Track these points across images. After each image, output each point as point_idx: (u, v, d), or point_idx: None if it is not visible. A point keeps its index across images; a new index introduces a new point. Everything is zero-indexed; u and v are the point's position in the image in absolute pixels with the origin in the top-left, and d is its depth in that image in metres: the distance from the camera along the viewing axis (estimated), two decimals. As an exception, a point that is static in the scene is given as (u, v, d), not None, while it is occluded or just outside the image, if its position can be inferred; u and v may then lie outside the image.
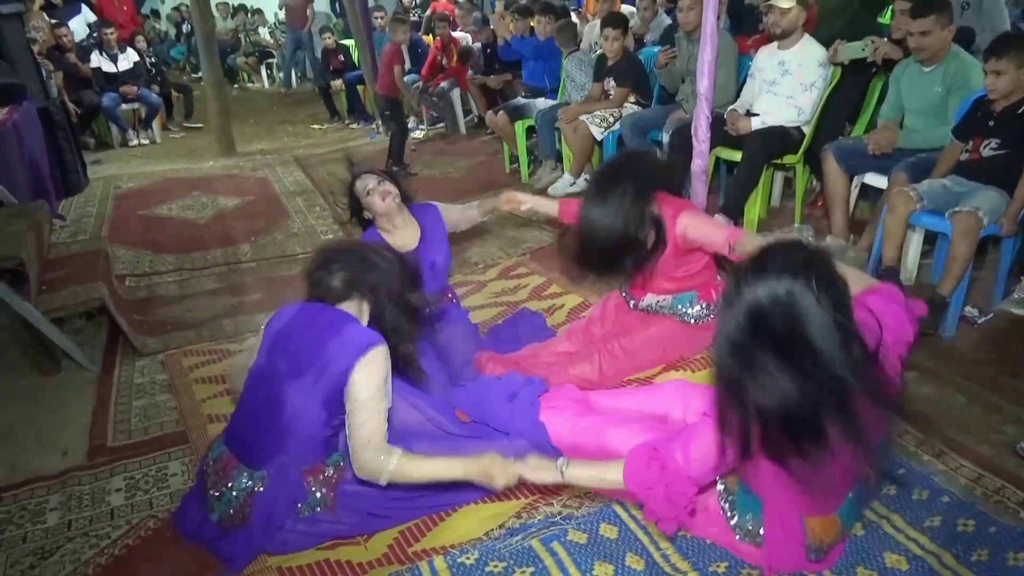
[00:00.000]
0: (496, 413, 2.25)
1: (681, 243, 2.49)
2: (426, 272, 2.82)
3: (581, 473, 1.79)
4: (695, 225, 2.47)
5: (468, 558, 1.92)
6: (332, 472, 1.98)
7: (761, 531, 1.74)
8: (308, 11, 10.08)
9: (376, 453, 1.85)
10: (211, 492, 1.98)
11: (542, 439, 2.18)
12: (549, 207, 2.98)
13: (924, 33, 3.13)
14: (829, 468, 1.55)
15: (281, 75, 11.63)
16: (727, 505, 1.78)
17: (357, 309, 2.06)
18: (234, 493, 1.93)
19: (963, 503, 2.00)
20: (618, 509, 2.06)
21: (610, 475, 1.74)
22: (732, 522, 1.78)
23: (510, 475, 1.84)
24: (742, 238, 2.37)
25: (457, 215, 3.08)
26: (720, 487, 1.80)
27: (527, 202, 3.00)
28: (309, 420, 1.92)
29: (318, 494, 1.94)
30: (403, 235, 2.85)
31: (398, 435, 2.18)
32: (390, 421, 2.20)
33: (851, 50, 3.66)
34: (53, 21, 7.87)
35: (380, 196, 2.73)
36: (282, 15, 11.96)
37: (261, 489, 1.92)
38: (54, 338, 2.94)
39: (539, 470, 1.81)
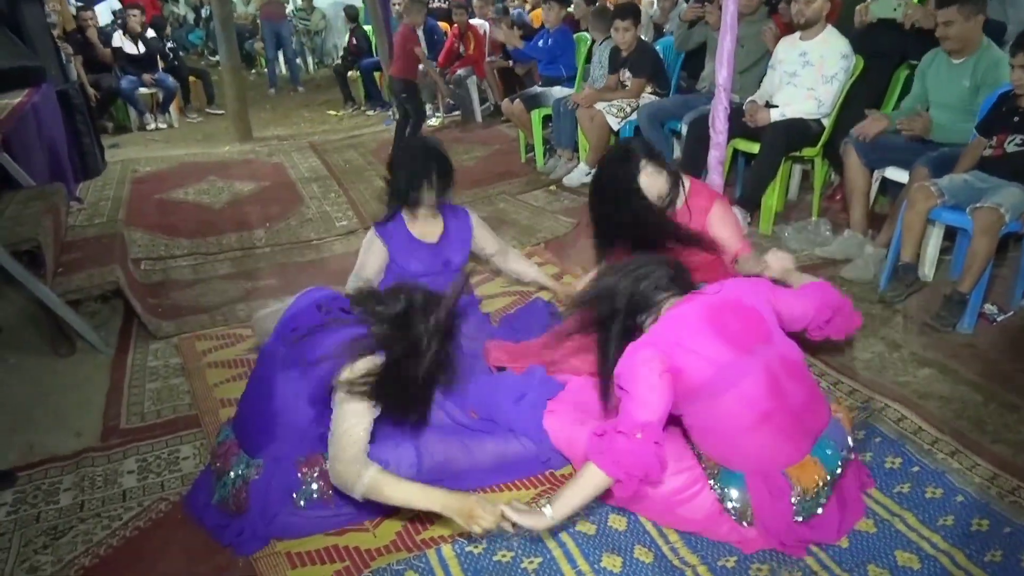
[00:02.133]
0: (503, 411, 2.25)
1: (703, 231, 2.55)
2: (439, 268, 2.82)
3: (565, 499, 1.71)
4: (721, 222, 2.56)
5: (476, 547, 1.92)
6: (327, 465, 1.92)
7: (749, 500, 1.76)
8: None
9: (350, 465, 1.75)
10: (215, 475, 2.00)
11: (544, 442, 2.17)
12: None
13: (947, 23, 3.08)
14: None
15: (283, 69, 10.82)
16: (718, 487, 1.82)
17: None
18: (232, 477, 1.93)
19: (978, 502, 1.98)
20: (628, 501, 2.06)
21: (588, 479, 1.69)
22: (725, 504, 1.80)
23: (493, 517, 1.70)
24: (746, 255, 2.52)
25: (489, 242, 3.02)
26: (708, 474, 1.84)
27: None
28: (297, 414, 1.90)
29: (314, 485, 1.92)
30: (427, 227, 2.85)
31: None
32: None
33: (882, 7, 3.60)
34: (79, 4, 7.92)
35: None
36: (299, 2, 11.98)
37: (256, 477, 1.91)
38: (70, 320, 2.97)
39: (524, 514, 1.69)
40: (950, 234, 3.22)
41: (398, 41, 5.96)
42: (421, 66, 6.17)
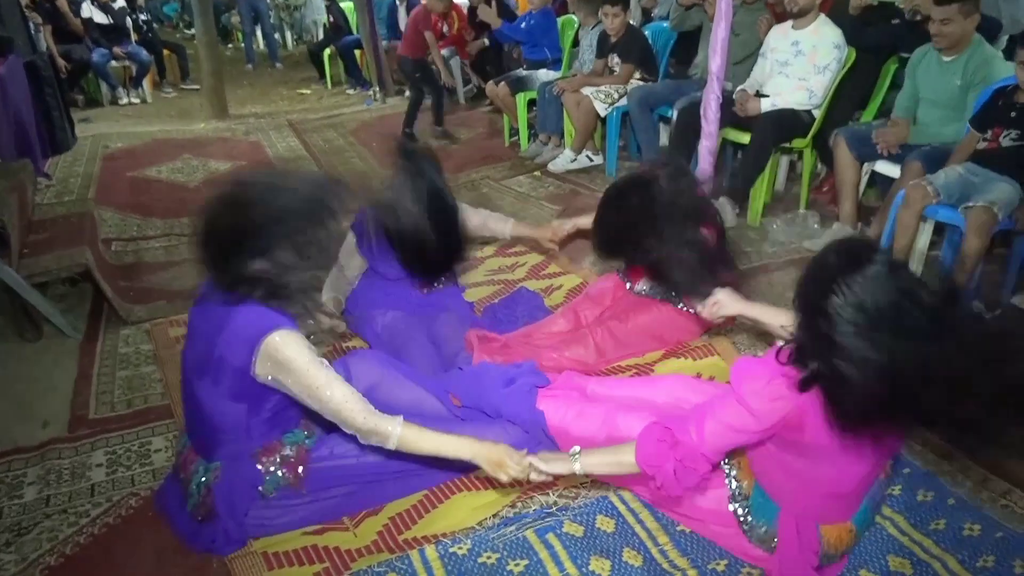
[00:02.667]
0: (490, 399, 2.18)
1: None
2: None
3: (596, 460, 1.72)
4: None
5: (460, 548, 1.87)
6: (291, 451, 1.86)
7: (775, 534, 1.69)
8: None
9: (374, 430, 1.67)
10: (182, 485, 1.91)
11: (537, 427, 2.11)
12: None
13: (945, 21, 3.04)
14: (861, 461, 1.54)
15: (261, 44, 10.42)
16: (742, 510, 1.72)
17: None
18: (194, 486, 1.84)
19: (969, 506, 1.96)
20: (615, 501, 2.02)
21: (625, 458, 1.66)
22: (745, 527, 1.72)
23: (522, 467, 1.71)
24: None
25: (479, 220, 2.90)
26: (733, 489, 1.74)
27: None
28: (228, 415, 1.79)
29: (279, 473, 1.83)
30: None
31: (388, 412, 2.12)
32: (384, 399, 2.14)
33: None
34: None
35: None
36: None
37: (217, 480, 1.82)
38: (36, 304, 2.85)
39: (553, 462, 1.72)
40: (937, 228, 3.19)
41: (412, 22, 5.82)
42: (430, 56, 5.98)
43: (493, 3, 5.97)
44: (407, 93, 7.23)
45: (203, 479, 1.82)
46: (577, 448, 1.73)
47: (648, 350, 2.66)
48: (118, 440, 2.33)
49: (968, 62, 3.10)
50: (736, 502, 1.74)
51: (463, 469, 2.07)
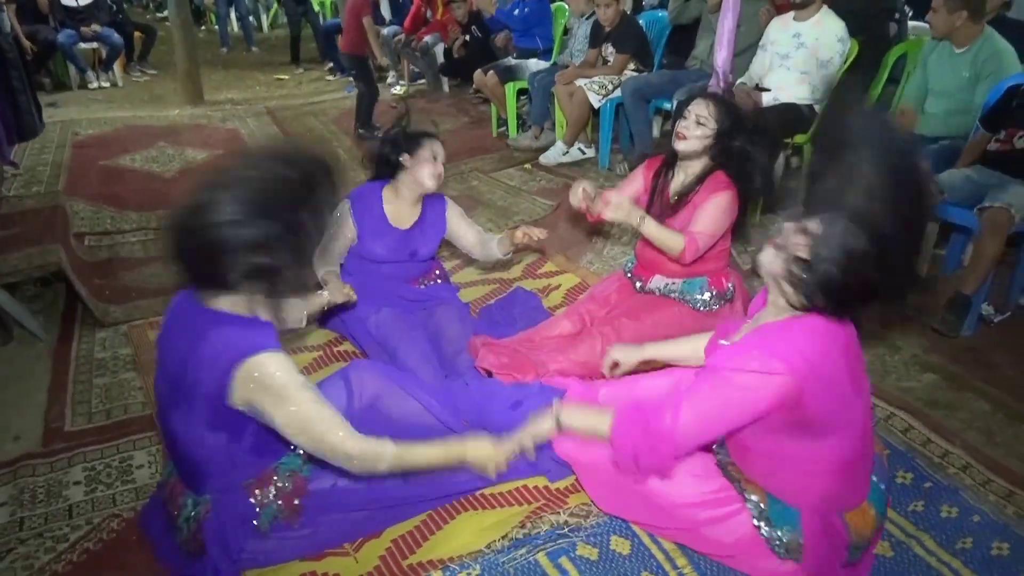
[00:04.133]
0: (498, 420, 2.06)
1: (696, 211, 2.41)
2: (404, 256, 2.64)
3: (575, 420, 1.74)
4: (708, 213, 2.38)
5: (469, 573, 1.76)
6: (287, 482, 1.72)
7: (801, 540, 1.61)
8: None
9: (363, 456, 1.56)
10: (169, 518, 1.75)
11: (544, 451, 2.01)
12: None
13: (934, 9, 3.06)
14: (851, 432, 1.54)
15: (236, 26, 10.06)
16: (763, 523, 1.65)
17: (241, 304, 1.58)
18: (183, 520, 1.69)
19: (995, 523, 1.90)
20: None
21: (601, 427, 1.67)
22: (772, 543, 1.64)
23: (506, 452, 1.73)
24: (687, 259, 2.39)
25: (466, 233, 2.77)
26: (753, 509, 1.66)
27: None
28: (207, 446, 1.63)
29: (274, 506, 1.70)
30: (403, 211, 2.64)
31: (395, 427, 2.01)
32: (387, 412, 2.02)
33: None
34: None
35: (439, 173, 2.57)
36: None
37: (207, 517, 1.67)
38: (5, 305, 2.68)
39: (536, 428, 1.75)
40: (942, 228, 3.14)
41: (349, 10, 5.44)
42: (375, 38, 5.66)
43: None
44: (391, 79, 7.08)
45: (192, 513, 1.68)
46: (557, 401, 1.78)
47: None
48: (97, 455, 2.19)
49: (978, 54, 3.05)
50: (756, 519, 1.67)
51: (468, 489, 1.98)
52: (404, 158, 2.54)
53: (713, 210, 2.39)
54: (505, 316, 2.86)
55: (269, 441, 1.67)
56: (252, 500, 1.68)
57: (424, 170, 2.53)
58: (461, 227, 2.76)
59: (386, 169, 2.61)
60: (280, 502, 1.70)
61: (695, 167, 2.48)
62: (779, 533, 1.64)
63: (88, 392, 2.48)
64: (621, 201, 2.33)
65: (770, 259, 1.53)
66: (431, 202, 2.70)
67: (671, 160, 2.56)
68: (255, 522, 1.68)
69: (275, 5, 11.37)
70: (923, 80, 3.29)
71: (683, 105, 2.50)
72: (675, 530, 1.80)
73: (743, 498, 1.68)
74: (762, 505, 1.66)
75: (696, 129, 2.39)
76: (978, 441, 2.19)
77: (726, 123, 2.37)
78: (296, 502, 1.71)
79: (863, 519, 1.65)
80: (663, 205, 2.56)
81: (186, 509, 1.69)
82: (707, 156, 2.44)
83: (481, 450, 1.71)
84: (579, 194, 2.45)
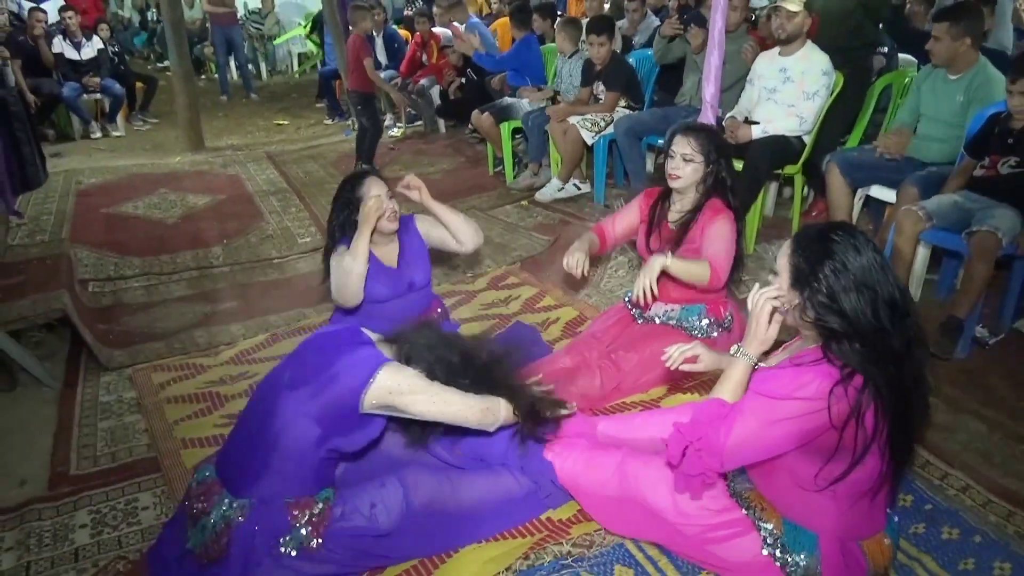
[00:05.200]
0: (495, 447, 2.09)
1: (698, 239, 2.51)
2: (405, 292, 2.68)
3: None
4: (712, 236, 2.47)
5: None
6: (321, 508, 1.79)
7: (820, 567, 1.62)
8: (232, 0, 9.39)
9: (476, 402, 1.89)
10: (191, 519, 1.80)
11: (545, 478, 2.03)
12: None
13: (937, 38, 3.11)
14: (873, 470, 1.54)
15: (235, 75, 10.27)
16: (779, 552, 1.66)
17: (389, 351, 1.90)
18: (212, 520, 1.74)
19: (996, 543, 1.90)
20: (632, 549, 1.93)
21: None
22: (787, 568, 1.65)
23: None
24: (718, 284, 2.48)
25: (441, 233, 2.81)
26: (764, 535, 1.67)
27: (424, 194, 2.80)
28: (299, 435, 1.74)
29: (303, 531, 1.75)
30: (386, 251, 2.69)
31: (392, 464, 2.03)
32: (380, 448, 2.05)
33: None
34: (31, 5, 7.50)
35: (390, 215, 2.56)
36: (253, 3, 11.63)
37: (241, 519, 1.73)
38: (11, 352, 2.72)
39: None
40: (934, 253, 3.18)
41: (350, 52, 5.66)
42: (376, 77, 5.87)
43: (477, 34, 5.92)
44: (388, 122, 7.20)
45: (225, 512, 1.73)
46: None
47: (660, 381, 2.61)
48: (102, 498, 2.20)
49: (972, 81, 3.13)
50: (768, 547, 1.68)
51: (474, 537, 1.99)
52: (356, 216, 2.55)
53: (719, 233, 2.48)
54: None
55: (330, 466, 1.86)
56: (289, 518, 1.75)
57: (375, 219, 2.52)
58: (434, 232, 2.81)
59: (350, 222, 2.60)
60: (309, 528, 1.75)
61: (691, 196, 2.56)
62: (796, 558, 1.65)
63: (93, 436, 2.50)
64: (648, 282, 2.32)
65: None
66: (404, 229, 2.75)
67: (667, 192, 2.63)
68: (282, 539, 1.73)
69: (273, 53, 11.61)
70: (915, 104, 3.36)
71: (668, 144, 2.58)
72: (683, 545, 1.81)
73: (755, 525, 1.70)
74: (776, 532, 1.68)
75: (685, 166, 2.48)
76: (977, 462, 2.20)
77: (711, 152, 2.46)
78: (322, 530, 1.76)
79: (879, 548, 1.67)
80: (663, 235, 2.63)
81: (219, 508, 1.74)
82: (702, 185, 2.52)
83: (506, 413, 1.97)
84: (574, 265, 2.59)
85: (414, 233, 2.79)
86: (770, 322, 1.67)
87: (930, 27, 3.29)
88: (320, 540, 1.76)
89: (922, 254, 3.11)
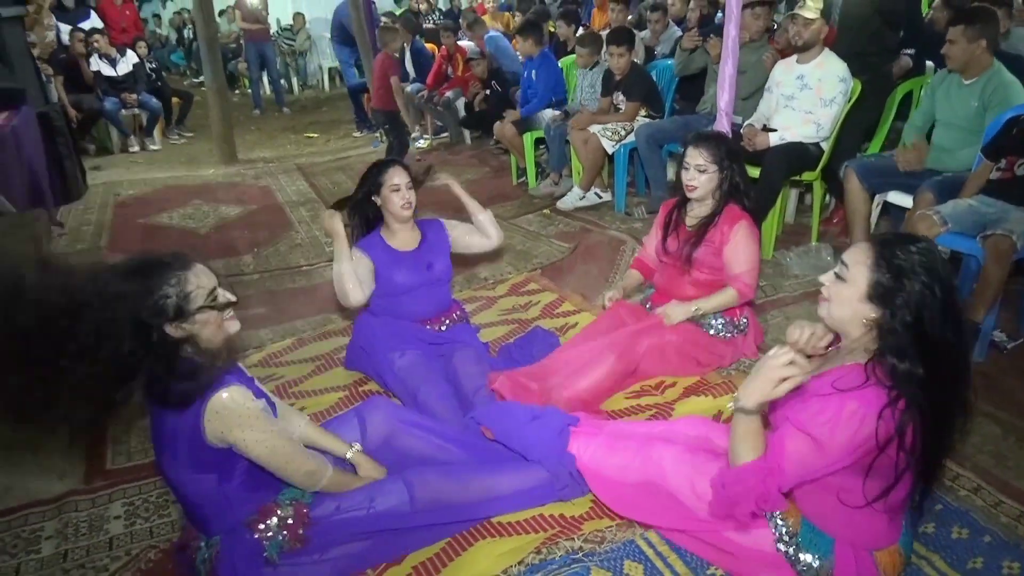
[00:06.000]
0: (518, 434, 2.15)
1: (719, 246, 2.62)
2: (423, 272, 2.77)
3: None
4: (735, 245, 2.59)
5: (487, 597, 1.83)
6: (288, 511, 1.80)
7: (832, 570, 1.65)
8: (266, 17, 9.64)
9: (310, 473, 1.82)
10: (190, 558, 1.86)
11: (563, 469, 2.08)
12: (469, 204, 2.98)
13: (952, 41, 3.12)
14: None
15: (268, 89, 10.70)
16: (792, 549, 1.68)
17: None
18: (199, 562, 1.79)
19: (1006, 543, 1.91)
20: (642, 545, 1.97)
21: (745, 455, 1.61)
22: (798, 565, 1.68)
23: None
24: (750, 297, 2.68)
25: (468, 235, 2.95)
26: (778, 529, 1.70)
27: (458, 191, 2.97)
28: (199, 488, 1.74)
29: (279, 537, 1.78)
30: (404, 239, 2.79)
31: (411, 461, 2.10)
32: (399, 448, 2.12)
33: None
34: (68, 27, 7.82)
35: (405, 201, 2.68)
36: (284, 21, 11.93)
37: (219, 557, 1.77)
38: (51, 354, 2.83)
39: None
40: (953, 258, 3.18)
41: (377, 70, 5.82)
42: (402, 97, 6.03)
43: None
44: (415, 134, 7.33)
45: (206, 556, 1.78)
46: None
47: (672, 372, 2.68)
48: (135, 491, 2.31)
49: (986, 85, 3.14)
50: (783, 542, 1.70)
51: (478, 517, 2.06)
52: (375, 198, 2.71)
53: (743, 245, 2.60)
54: (523, 355, 2.94)
55: (262, 476, 1.79)
56: (256, 535, 1.76)
57: (392, 202, 2.67)
58: (461, 231, 2.93)
59: (370, 214, 2.79)
60: (285, 532, 1.78)
61: (708, 203, 2.65)
62: (808, 557, 1.67)
63: (128, 433, 2.61)
64: (673, 313, 2.63)
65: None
66: (428, 228, 2.87)
67: (683, 201, 2.71)
68: (264, 555, 1.76)
69: (305, 68, 11.87)
70: (930, 110, 3.37)
71: (683, 156, 2.66)
72: (697, 531, 1.84)
73: (767, 514, 1.71)
74: (793, 529, 1.69)
75: (700, 176, 2.56)
76: (989, 464, 2.21)
77: (723, 159, 2.52)
78: (301, 532, 1.79)
79: (891, 559, 1.68)
80: (681, 236, 2.70)
81: (201, 552, 1.79)
82: (718, 191, 2.60)
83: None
84: (605, 302, 2.81)
85: (441, 231, 2.90)
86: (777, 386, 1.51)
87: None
88: (305, 537, 1.79)
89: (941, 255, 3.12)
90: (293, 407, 2.22)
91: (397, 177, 2.68)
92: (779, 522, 1.71)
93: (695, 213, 2.72)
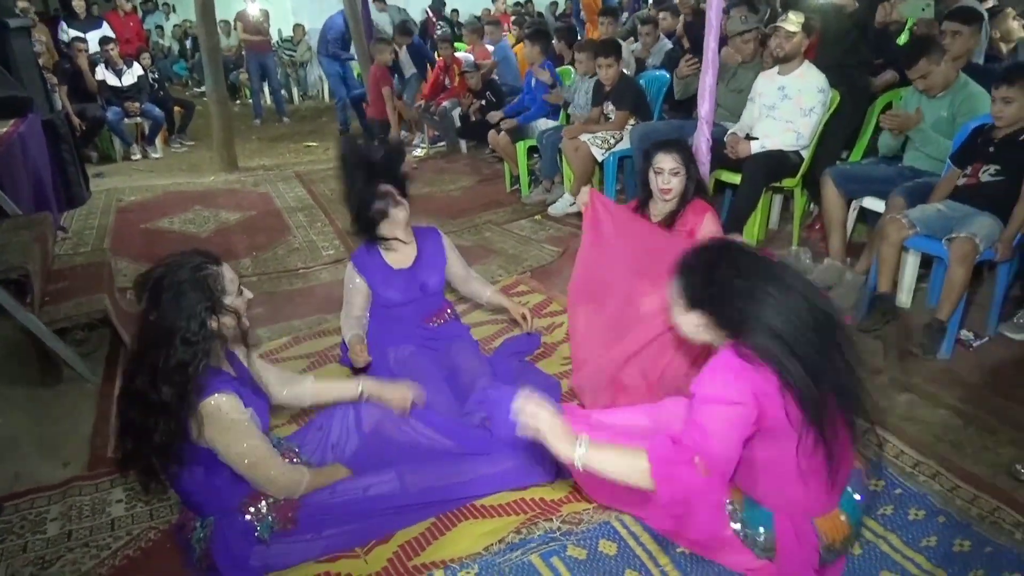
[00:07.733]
0: (506, 422, 2.25)
1: (691, 229, 2.73)
2: (416, 293, 2.84)
3: (602, 457, 1.65)
4: (711, 228, 2.73)
5: (468, 572, 1.93)
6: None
7: (775, 540, 1.76)
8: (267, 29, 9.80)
9: (288, 482, 1.93)
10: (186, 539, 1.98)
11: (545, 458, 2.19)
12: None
13: (923, 76, 3.27)
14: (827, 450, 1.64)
15: (268, 99, 10.83)
16: (740, 526, 1.79)
17: None
18: (195, 541, 1.92)
19: (959, 523, 2.02)
20: (616, 526, 2.08)
21: (638, 463, 1.62)
22: (748, 541, 1.78)
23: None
24: None
25: (455, 264, 2.99)
26: (729, 511, 1.81)
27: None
28: (191, 480, 1.88)
29: (269, 518, 1.92)
30: (401, 254, 2.85)
31: (401, 450, 2.21)
32: (390, 436, 2.24)
33: (911, 7, 3.78)
34: (75, 35, 7.97)
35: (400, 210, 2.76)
36: (285, 32, 12.10)
37: (212, 537, 1.90)
38: (58, 350, 2.96)
39: (558, 439, 1.66)
40: (926, 261, 3.30)
41: (371, 83, 5.94)
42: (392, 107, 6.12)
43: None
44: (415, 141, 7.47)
45: (202, 535, 1.90)
46: (586, 437, 1.66)
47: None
48: (135, 477, 2.41)
49: (955, 98, 3.28)
50: (735, 521, 1.81)
51: (468, 496, 2.17)
52: (378, 205, 2.72)
53: (713, 228, 2.75)
54: (511, 352, 3.06)
55: None
56: (248, 516, 1.89)
57: (394, 213, 2.73)
58: (453, 259, 2.98)
59: (374, 220, 2.78)
60: (274, 514, 1.91)
61: (673, 202, 2.79)
62: (754, 532, 1.77)
63: (129, 424, 2.73)
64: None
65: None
66: (426, 237, 2.92)
67: (644, 200, 2.86)
68: (255, 534, 1.89)
69: (305, 79, 12.03)
70: None
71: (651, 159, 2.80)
72: (658, 518, 1.92)
73: (720, 501, 1.83)
74: (737, 507, 1.80)
75: (674, 179, 2.71)
76: (948, 452, 2.33)
77: (689, 160, 2.68)
78: (290, 514, 1.92)
79: (833, 525, 1.77)
80: None
81: (196, 532, 1.91)
82: (686, 190, 2.76)
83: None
84: (585, 198, 2.77)
85: (438, 246, 2.94)
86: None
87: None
88: (295, 519, 1.92)
89: (911, 262, 3.25)
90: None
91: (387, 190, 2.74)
92: (728, 505, 1.80)
93: (659, 210, 2.84)
